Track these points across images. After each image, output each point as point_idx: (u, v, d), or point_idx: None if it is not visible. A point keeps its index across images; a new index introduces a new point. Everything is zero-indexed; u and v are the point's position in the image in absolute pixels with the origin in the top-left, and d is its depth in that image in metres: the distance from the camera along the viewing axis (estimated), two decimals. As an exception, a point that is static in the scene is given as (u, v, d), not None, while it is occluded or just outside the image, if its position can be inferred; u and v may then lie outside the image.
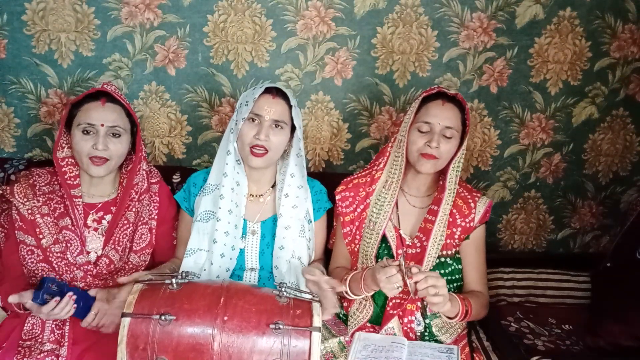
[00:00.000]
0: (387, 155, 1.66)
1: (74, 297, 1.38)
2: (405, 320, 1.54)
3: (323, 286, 1.40)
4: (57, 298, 1.35)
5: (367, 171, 1.71)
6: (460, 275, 1.61)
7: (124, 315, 1.18)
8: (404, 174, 1.63)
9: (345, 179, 1.72)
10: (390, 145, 1.67)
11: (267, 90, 1.57)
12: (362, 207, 1.66)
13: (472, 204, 1.60)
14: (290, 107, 1.58)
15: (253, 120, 1.56)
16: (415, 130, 1.57)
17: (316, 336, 1.20)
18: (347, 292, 1.52)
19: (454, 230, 1.58)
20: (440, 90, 1.60)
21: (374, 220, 1.61)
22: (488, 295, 1.65)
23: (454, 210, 1.59)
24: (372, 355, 1.41)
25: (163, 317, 1.17)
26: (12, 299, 1.35)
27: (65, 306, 1.36)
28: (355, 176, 1.72)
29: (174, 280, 1.25)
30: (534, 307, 1.87)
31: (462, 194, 1.62)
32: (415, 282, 1.33)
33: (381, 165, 1.67)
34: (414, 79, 2.02)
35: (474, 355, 1.54)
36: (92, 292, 1.46)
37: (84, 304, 1.43)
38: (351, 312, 1.61)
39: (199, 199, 1.64)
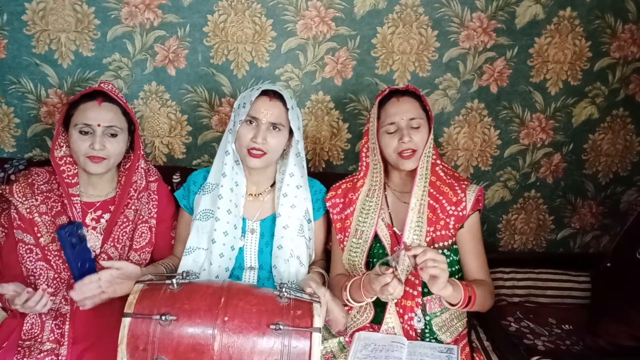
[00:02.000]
0: (366, 164, 1.67)
1: (49, 290, 1.36)
2: (406, 317, 1.54)
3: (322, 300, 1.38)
4: (30, 290, 1.32)
5: (352, 178, 1.72)
6: (458, 267, 1.60)
7: (124, 315, 1.18)
8: (388, 174, 1.66)
9: (334, 185, 1.72)
10: (365, 154, 1.67)
11: (264, 93, 1.56)
12: (347, 213, 1.66)
13: (461, 192, 1.59)
14: (287, 109, 1.58)
15: (250, 122, 1.56)
16: (384, 134, 1.59)
17: (317, 337, 1.20)
18: (348, 301, 1.52)
19: (447, 220, 1.57)
20: (392, 89, 1.63)
21: (361, 229, 1.61)
22: (492, 284, 1.62)
23: (440, 197, 1.58)
24: (372, 354, 1.40)
25: (163, 318, 1.17)
26: None
27: (40, 299, 1.33)
28: (344, 181, 1.72)
29: (174, 281, 1.25)
30: (534, 307, 1.87)
31: (449, 182, 1.62)
32: (414, 256, 1.32)
33: (361, 174, 1.68)
34: (414, 79, 2.02)
35: (474, 355, 1.54)
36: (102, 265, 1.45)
37: (89, 268, 1.41)
38: (351, 315, 1.61)
39: (198, 197, 1.64)
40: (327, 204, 1.68)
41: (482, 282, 1.57)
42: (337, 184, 1.73)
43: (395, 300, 1.49)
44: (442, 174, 1.63)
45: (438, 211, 1.58)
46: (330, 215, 1.69)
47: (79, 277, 1.38)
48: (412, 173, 1.63)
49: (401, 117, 1.57)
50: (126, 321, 1.18)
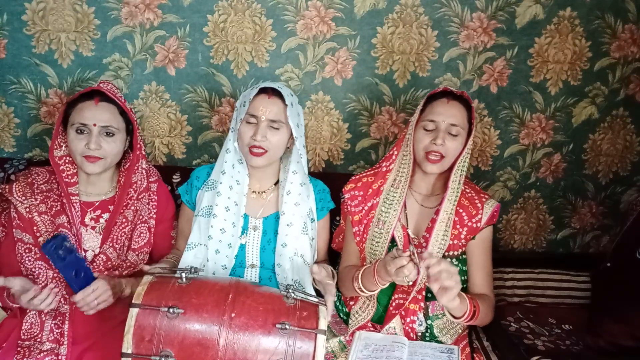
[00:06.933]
0: (396, 155, 1.65)
1: (56, 289, 1.37)
2: (407, 320, 1.53)
3: (328, 290, 1.41)
4: (37, 288, 1.33)
5: (375, 170, 1.70)
6: (465, 277, 1.60)
7: (132, 305, 1.19)
8: (413, 173, 1.63)
9: (353, 177, 1.71)
10: (398, 144, 1.66)
11: (263, 90, 1.56)
12: (369, 205, 1.64)
13: (479, 205, 1.59)
14: (286, 105, 1.57)
15: (250, 121, 1.56)
16: (421, 128, 1.57)
17: (321, 339, 1.20)
18: (360, 290, 1.49)
19: (461, 230, 1.57)
20: (446, 89, 1.61)
21: (383, 219, 1.60)
22: (494, 300, 1.62)
23: (460, 210, 1.58)
24: (373, 354, 1.41)
25: (171, 310, 1.18)
26: None
27: (46, 298, 1.34)
28: (364, 174, 1.71)
29: (183, 275, 1.26)
30: (534, 307, 1.88)
31: (469, 195, 1.61)
32: (427, 267, 1.30)
33: (390, 164, 1.66)
34: (414, 79, 2.02)
35: (474, 355, 1.54)
36: (94, 275, 1.47)
37: (85, 276, 1.41)
38: (353, 311, 1.61)
39: (201, 193, 1.64)
40: (346, 196, 1.67)
41: (485, 297, 1.56)
42: (357, 176, 1.71)
43: (410, 283, 1.44)
44: (465, 187, 1.62)
45: (457, 224, 1.57)
46: (348, 207, 1.67)
47: (77, 286, 1.40)
48: (439, 179, 1.63)
49: (444, 119, 1.54)
50: (134, 312, 1.18)
